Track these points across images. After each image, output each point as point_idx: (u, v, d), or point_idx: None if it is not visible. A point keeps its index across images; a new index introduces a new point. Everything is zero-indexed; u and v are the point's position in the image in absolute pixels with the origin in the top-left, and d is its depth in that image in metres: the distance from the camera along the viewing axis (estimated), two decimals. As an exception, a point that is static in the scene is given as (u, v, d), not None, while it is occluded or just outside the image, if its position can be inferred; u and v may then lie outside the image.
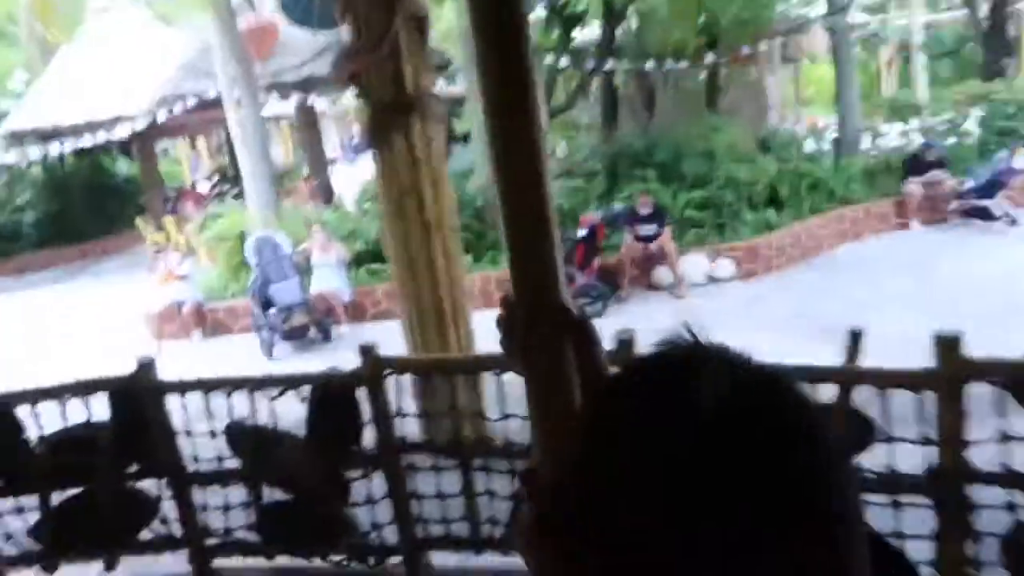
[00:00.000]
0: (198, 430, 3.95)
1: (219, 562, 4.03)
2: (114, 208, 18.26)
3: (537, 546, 0.56)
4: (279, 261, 8.10)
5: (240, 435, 3.91)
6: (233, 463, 3.96)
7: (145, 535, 4.06)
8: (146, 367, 3.91)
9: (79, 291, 13.75)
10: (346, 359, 7.13)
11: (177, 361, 7.73)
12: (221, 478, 3.98)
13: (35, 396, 3.92)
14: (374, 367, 3.80)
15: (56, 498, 3.99)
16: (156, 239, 16.51)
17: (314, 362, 7.46)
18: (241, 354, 7.94)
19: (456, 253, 5.42)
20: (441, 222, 5.08)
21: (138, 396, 3.90)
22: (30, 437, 3.96)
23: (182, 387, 3.92)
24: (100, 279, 14.75)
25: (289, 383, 3.87)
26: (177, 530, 4.02)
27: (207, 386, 3.90)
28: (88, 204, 17.88)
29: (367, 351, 3.83)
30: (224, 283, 9.30)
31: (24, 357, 9.28)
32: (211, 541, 4.01)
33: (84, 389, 3.92)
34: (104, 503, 4.01)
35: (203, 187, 19.94)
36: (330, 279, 8.34)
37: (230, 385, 3.88)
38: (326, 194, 13.91)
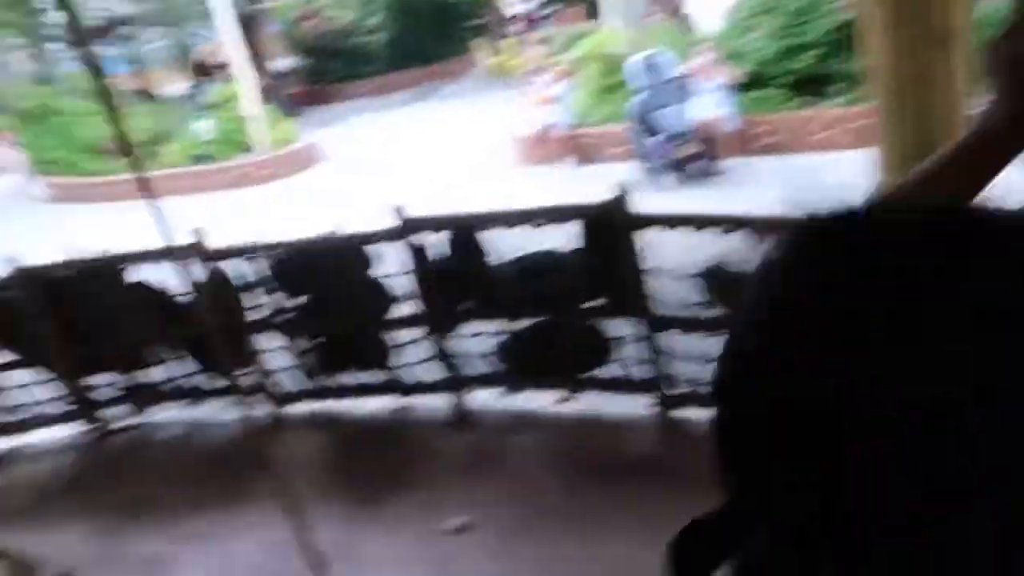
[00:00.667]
0: (670, 269, 3.58)
1: (680, 413, 3.75)
2: (453, 31, 18.67)
3: None
4: (664, 84, 7.42)
5: (722, 279, 3.45)
6: (706, 309, 3.56)
7: (605, 372, 3.89)
8: (621, 198, 3.52)
9: (432, 112, 14.32)
10: (738, 194, 6.48)
11: (550, 189, 7.63)
12: (692, 325, 3.60)
13: (504, 219, 3.75)
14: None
15: (521, 324, 3.93)
16: (496, 62, 16.69)
17: (703, 196, 6.90)
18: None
19: (960, 77, 4.31)
20: (951, 35, 3.99)
21: (611, 227, 3.56)
22: (495, 261, 3.86)
23: (661, 221, 3.50)
24: (448, 102, 15.23)
25: (786, 225, 3.26)
26: (638, 373, 3.78)
27: (691, 222, 3.43)
28: (431, 26, 18.40)
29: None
30: (591, 106, 8.88)
31: (400, 178, 9.84)
32: (675, 390, 3.73)
33: (553, 215, 3.66)
34: (565, 335, 3.86)
35: (527, 8, 19.57)
36: (716, 105, 7.52)
37: (718, 223, 3.38)
38: (674, 9, 12.74)
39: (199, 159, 11.27)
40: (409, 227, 3.83)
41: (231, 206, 9.62)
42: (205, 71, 15.62)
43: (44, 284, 4.15)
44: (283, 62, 17.54)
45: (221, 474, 4.06)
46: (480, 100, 14.33)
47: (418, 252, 3.86)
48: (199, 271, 3.96)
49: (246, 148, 11.36)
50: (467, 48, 18.19)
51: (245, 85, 10.95)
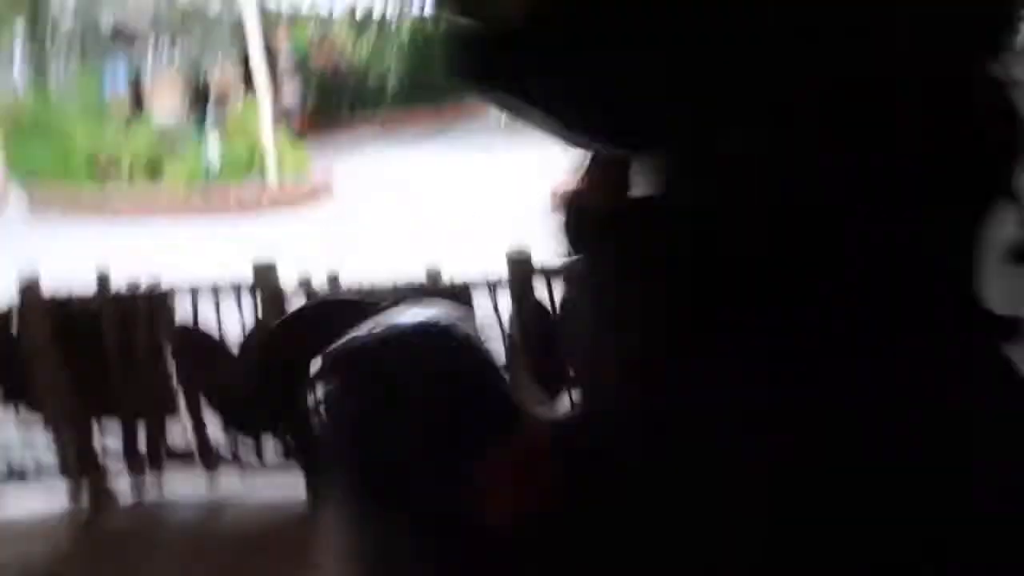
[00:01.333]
0: None
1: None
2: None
3: None
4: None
5: None
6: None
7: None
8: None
9: (446, 154, 13.79)
10: None
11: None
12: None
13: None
14: None
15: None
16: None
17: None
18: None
19: None
20: None
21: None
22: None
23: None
24: (462, 144, 14.70)
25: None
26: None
27: None
28: (441, 67, 18.03)
29: None
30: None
31: (426, 216, 9.19)
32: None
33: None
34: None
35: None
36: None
37: None
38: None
39: (205, 181, 10.51)
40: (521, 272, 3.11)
41: (242, 233, 8.86)
42: (207, 95, 14.93)
43: (55, 318, 3.35)
44: (292, 90, 16.94)
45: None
46: (500, 146, 13.80)
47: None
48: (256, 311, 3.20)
49: (256, 173, 10.64)
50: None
51: (262, 108, 10.28)
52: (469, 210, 9.30)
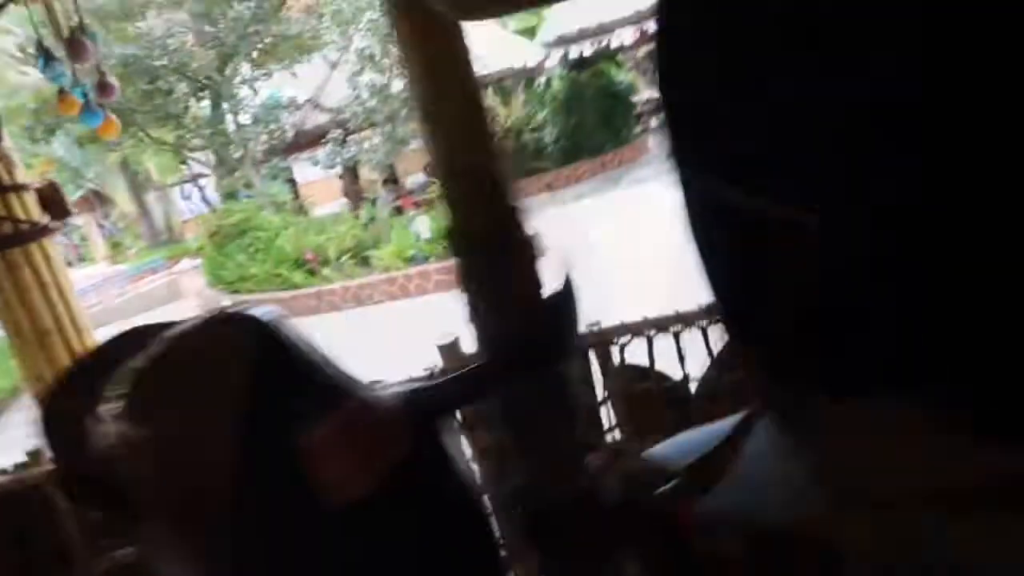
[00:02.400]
0: None
1: None
2: (619, 118, 18.13)
3: None
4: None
5: None
6: None
7: None
8: None
9: (621, 201, 13.59)
10: None
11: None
12: None
13: None
14: None
15: None
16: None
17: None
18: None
19: None
20: None
21: None
22: None
23: None
24: (633, 188, 14.49)
25: None
26: None
27: None
28: (599, 116, 18.01)
29: None
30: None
31: (642, 268, 8.89)
32: None
33: None
34: None
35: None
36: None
37: None
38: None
39: (416, 260, 10.73)
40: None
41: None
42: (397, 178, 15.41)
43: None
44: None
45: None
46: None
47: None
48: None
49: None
50: (638, 133, 17.67)
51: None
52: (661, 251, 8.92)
